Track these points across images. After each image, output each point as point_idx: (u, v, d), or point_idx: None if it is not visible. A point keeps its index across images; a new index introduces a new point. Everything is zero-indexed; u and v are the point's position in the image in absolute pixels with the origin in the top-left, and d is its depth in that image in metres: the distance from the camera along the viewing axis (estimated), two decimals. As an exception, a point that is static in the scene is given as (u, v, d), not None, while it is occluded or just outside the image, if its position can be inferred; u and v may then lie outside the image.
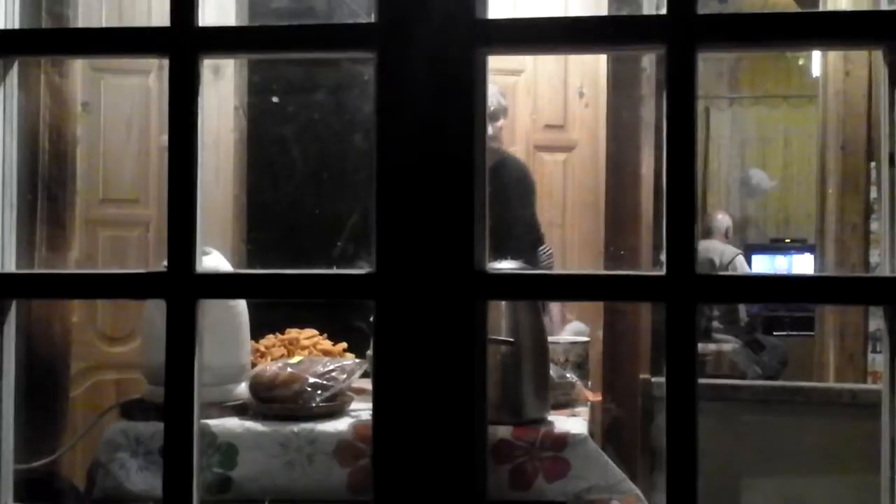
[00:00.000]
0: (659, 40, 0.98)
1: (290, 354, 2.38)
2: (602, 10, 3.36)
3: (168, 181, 1.02)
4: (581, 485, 1.93)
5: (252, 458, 1.96)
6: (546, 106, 3.87)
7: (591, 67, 3.77)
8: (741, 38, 1.01)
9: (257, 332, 2.33)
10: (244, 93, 3.69)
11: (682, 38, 0.96)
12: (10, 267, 1.10)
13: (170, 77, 1.02)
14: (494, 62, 1.03)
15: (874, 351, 3.38)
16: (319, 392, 2.05)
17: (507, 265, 1.99)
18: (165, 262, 1.03)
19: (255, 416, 2.05)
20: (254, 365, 2.25)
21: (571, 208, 3.85)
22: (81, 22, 2.83)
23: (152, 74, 3.54)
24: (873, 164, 3.38)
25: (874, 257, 3.43)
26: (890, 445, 1.01)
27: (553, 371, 2.15)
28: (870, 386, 2.94)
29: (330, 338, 2.52)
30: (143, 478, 1.96)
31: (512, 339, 1.98)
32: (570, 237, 3.84)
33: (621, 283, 1.03)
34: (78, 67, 2.84)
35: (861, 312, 3.36)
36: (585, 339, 2.52)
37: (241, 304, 2.14)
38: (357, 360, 2.23)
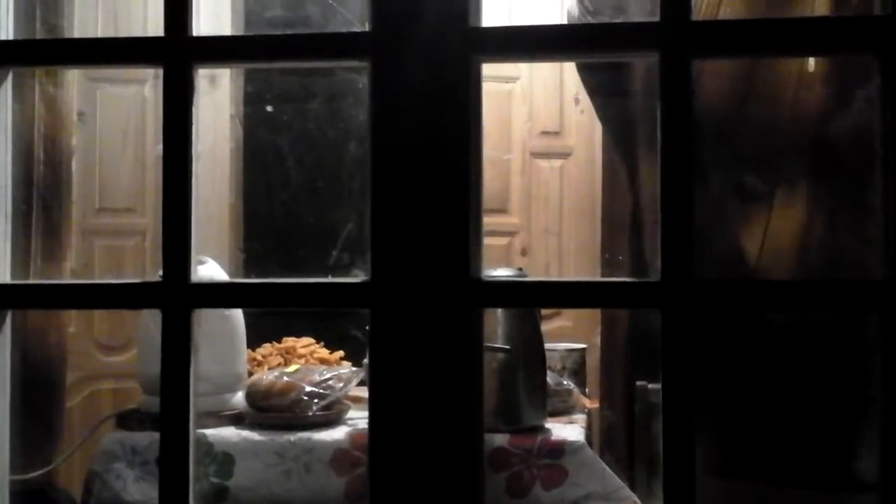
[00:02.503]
0: (652, 47, 0.99)
1: (287, 363, 2.37)
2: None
3: (163, 191, 1.02)
4: (578, 492, 1.93)
5: (249, 468, 1.96)
6: (542, 113, 3.87)
7: (587, 74, 3.77)
8: (735, 45, 1.01)
9: (253, 341, 2.33)
10: (240, 102, 3.69)
11: (675, 45, 0.96)
12: (6, 277, 1.10)
13: (164, 87, 1.01)
14: (489, 69, 1.03)
15: (871, 356, 3.37)
16: (316, 401, 2.05)
17: (502, 272, 2.00)
18: (161, 272, 1.03)
19: (252, 426, 2.04)
20: (250, 374, 2.25)
21: (568, 215, 3.85)
22: (77, 32, 2.83)
23: (148, 84, 3.55)
24: (868, 169, 3.38)
25: (870, 262, 3.43)
26: (888, 450, 1.01)
27: (550, 378, 2.15)
28: (867, 391, 2.94)
29: (326, 346, 2.52)
30: (140, 488, 1.96)
31: (508, 347, 1.98)
32: (567, 244, 3.84)
33: (615, 290, 1.03)
34: (73, 77, 2.84)
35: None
36: (582, 345, 2.52)
37: (238, 314, 2.14)
38: (353, 369, 2.23)
